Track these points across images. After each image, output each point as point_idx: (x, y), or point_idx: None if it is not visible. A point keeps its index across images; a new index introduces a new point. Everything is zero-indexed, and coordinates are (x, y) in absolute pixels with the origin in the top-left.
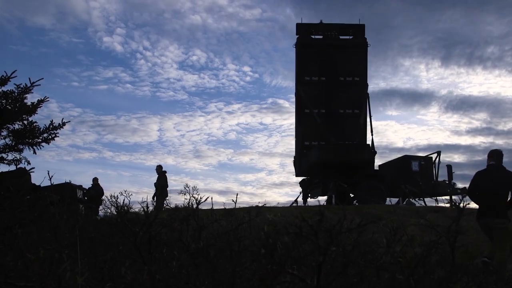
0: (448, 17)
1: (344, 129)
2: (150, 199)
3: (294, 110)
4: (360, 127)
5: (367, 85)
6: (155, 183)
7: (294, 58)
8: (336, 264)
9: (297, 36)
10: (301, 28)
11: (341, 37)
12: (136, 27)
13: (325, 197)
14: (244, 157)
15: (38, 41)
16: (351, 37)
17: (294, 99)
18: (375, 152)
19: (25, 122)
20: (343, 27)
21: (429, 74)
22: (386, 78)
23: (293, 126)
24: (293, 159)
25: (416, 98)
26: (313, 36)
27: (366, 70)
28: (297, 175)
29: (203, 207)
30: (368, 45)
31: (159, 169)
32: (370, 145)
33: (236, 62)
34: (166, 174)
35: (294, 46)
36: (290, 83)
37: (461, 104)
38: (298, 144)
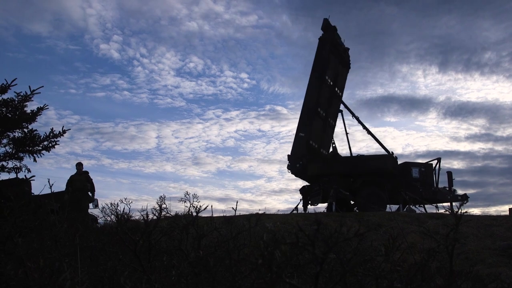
0: (444, 23)
1: (324, 136)
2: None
3: (292, 117)
4: (330, 139)
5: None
6: (82, 183)
7: (294, 64)
8: (335, 272)
9: (323, 31)
10: (328, 27)
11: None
12: (132, 34)
13: (325, 204)
14: (243, 164)
15: (35, 49)
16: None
17: (292, 106)
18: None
19: (25, 130)
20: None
21: (427, 80)
22: (383, 85)
23: (292, 133)
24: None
25: (414, 104)
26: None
27: (343, 89)
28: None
29: (202, 214)
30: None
31: (81, 166)
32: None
33: (233, 69)
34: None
35: (320, 39)
36: (287, 90)
37: (460, 110)
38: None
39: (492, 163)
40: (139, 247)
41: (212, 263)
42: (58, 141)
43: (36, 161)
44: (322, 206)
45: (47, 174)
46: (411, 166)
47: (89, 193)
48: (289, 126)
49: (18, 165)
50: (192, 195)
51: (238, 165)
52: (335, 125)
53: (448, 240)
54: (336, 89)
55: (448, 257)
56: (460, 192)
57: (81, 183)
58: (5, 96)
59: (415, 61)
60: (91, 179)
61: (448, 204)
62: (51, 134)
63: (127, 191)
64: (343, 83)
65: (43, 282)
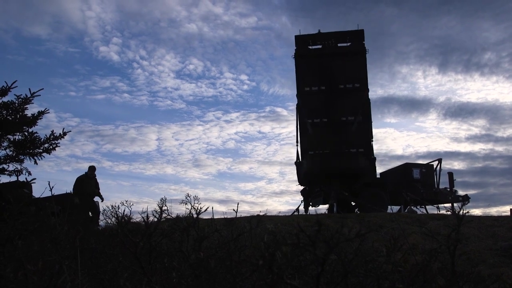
0: (444, 24)
1: (348, 136)
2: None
3: (293, 118)
4: (364, 133)
5: (367, 91)
6: (92, 188)
7: (294, 68)
8: (336, 273)
9: (296, 48)
10: (299, 40)
11: (339, 44)
12: (132, 36)
13: (326, 206)
14: (244, 166)
15: (35, 51)
16: (348, 44)
17: (292, 107)
18: (375, 159)
19: (26, 133)
20: (341, 34)
21: (427, 81)
22: (383, 86)
23: (292, 135)
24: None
25: (414, 105)
26: (311, 47)
27: (366, 76)
28: (299, 183)
29: (203, 216)
30: (367, 51)
31: (94, 171)
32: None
33: (233, 71)
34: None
35: (293, 57)
36: (287, 91)
37: (460, 111)
38: (301, 153)
39: (492, 164)
40: (140, 249)
41: (213, 264)
42: (59, 143)
43: (36, 164)
44: (323, 208)
45: (48, 177)
46: (412, 167)
47: (94, 198)
48: (289, 128)
49: (19, 168)
50: (193, 197)
51: (238, 167)
52: (363, 120)
53: (449, 241)
54: (341, 85)
55: (449, 258)
56: (461, 192)
57: (90, 187)
58: (5, 99)
59: (415, 62)
60: (98, 184)
61: (449, 205)
62: (52, 137)
63: (127, 193)
64: (356, 73)
65: (42, 284)
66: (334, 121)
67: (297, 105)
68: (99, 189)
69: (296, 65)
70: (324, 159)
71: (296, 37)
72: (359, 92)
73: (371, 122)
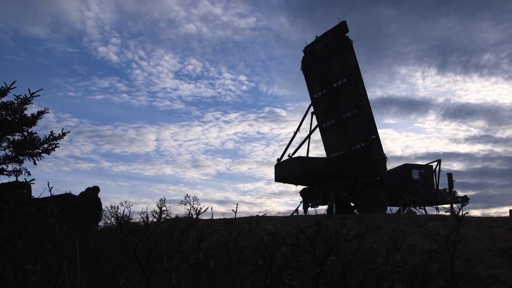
0: (443, 24)
1: (351, 133)
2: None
3: (292, 119)
4: (361, 127)
5: (352, 83)
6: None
7: (293, 69)
8: (335, 274)
9: (301, 60)
10: (305, 51)
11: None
12: (131, 37)
13: (325, 206)
14: (242, 167)
15: (33, 51)
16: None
17: (291, 108)
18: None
19: (25, 133)
20: (328, 33)
21: (426, 82)
22: (382, 86)
23: (290, 135)
24: None
25: (413, 106)
26: (311, 55)
27: (353, 68)
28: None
29: (202, 217)
30: (352, 42)
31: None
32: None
33: (232, 71)
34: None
35: (301, 69)
36: (286, 92)
37: (459, 112)
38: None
39: (491, 165)
40: (139, 249)
41: (212, 265)
42: (58, 143)
43: (36, 164)
44: (322, 208)
45: (47, 177)
46: (411, 168)
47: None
48: (288, 128)
49: (18, 168)
50: (192, 197)
51: (237, 168)
52: (356, 113)
53: (449, 242)
54: (334, 84)
55: (449, 259)
56: (460, 193)
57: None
58: (4, 99)
59: (413, 63)
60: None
61: (448, 205)
62: (51, 137)
63: (126, 194)
64: (342, 67)
65: (42, 284)
66: (338, 121)
67: (312, 112)
68: (101, 208)
69: (304, 76)
70: (334, 161)
71: (304, 50)
72: (347, 87)
73: (369, 114)
